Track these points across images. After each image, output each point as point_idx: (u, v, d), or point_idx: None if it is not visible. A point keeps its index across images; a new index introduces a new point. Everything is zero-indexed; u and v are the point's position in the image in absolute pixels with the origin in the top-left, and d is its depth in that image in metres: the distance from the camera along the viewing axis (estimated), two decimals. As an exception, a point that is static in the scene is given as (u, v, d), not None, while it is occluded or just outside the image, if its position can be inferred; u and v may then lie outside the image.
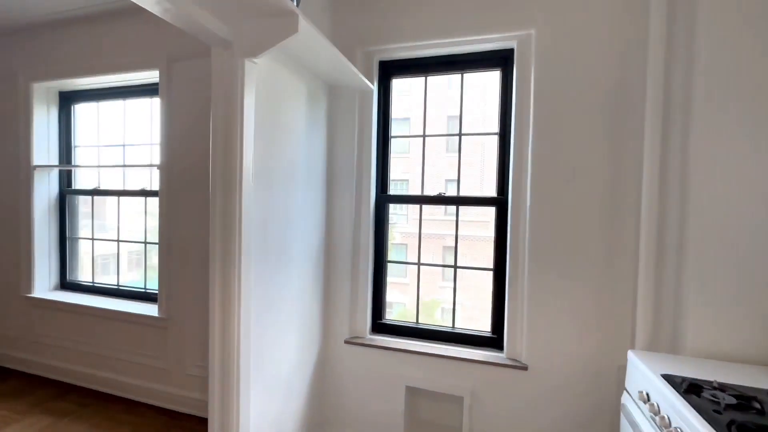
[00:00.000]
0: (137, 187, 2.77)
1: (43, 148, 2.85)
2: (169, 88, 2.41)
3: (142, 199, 2.77)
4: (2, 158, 2.90)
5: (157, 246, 2.55)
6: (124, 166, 2.76)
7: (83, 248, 3.05)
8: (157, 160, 2.56)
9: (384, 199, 2.27)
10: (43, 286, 2.91)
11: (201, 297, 2.37)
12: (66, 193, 2.98)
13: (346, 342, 2.19)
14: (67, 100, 2.95)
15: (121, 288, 2.86)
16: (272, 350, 1.79)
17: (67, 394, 2.65)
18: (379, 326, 2.26)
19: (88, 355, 2.73)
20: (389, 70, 2.23)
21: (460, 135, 2.17)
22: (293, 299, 1.93)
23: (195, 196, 2.38)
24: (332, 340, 2.25)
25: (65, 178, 2.98)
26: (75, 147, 3.00)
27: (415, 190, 2.31)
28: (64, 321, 2.79)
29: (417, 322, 2.23)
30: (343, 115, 2.20)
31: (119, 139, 2.85)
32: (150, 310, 2.58)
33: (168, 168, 2.44)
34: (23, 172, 2.81)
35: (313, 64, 1.82)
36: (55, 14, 2.55)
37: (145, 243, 2.81)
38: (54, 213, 2.95)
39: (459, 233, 2.18)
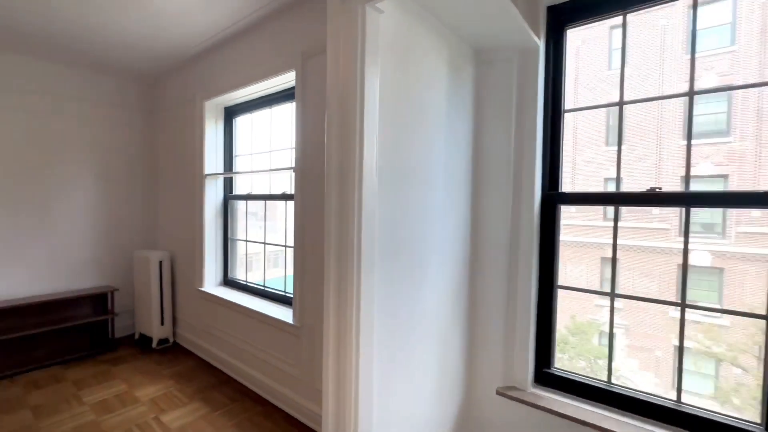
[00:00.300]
0: (280, 191, 2.81)
1: (212, 158, 3.19)
2: (304, 88, 2.31)
3: (284, 202, 2.79)
4: (184, 168, 3.39)
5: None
6: (270, 170, 2.84)
7: (241, 248, 3.31)
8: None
9: (554, 199, 1.62)
10: (211, 281, 3.24)
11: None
12: (228, 198, 3.28)
13: (499, 393, 1.62)
14: (230, 114, 3.25)
15: (267, 289, 2.96)
16: (400, 394, 1.37)
17: (223, 386, 2.84)
18: (547, 377, 1.61)
19: (240, 351, 2.88)
20: (563, 16, 1.58)
21: (709, 91, 1.37)
22: (428, 327, 1.49)
23: (326, 199, 2.19)
24: (479, 388, 1.71)
25: (228, 185, 3.29)
26: (236, 156, 3.28)
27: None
28: (223, 315, 3.03)
29: (609, 381, 1.50)
30: (495, 87, 1.66)
31: (267, 145, 2.97)
32: (286, 315, 2.54)
33: (302, 170, 2.34)
34: (197, 180, 3.19)
35: (456, 15, 1.35)
36: (215, 37, 2.77)
37: (285, 246, 2.82)
38: (219, 216, 3.27)
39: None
